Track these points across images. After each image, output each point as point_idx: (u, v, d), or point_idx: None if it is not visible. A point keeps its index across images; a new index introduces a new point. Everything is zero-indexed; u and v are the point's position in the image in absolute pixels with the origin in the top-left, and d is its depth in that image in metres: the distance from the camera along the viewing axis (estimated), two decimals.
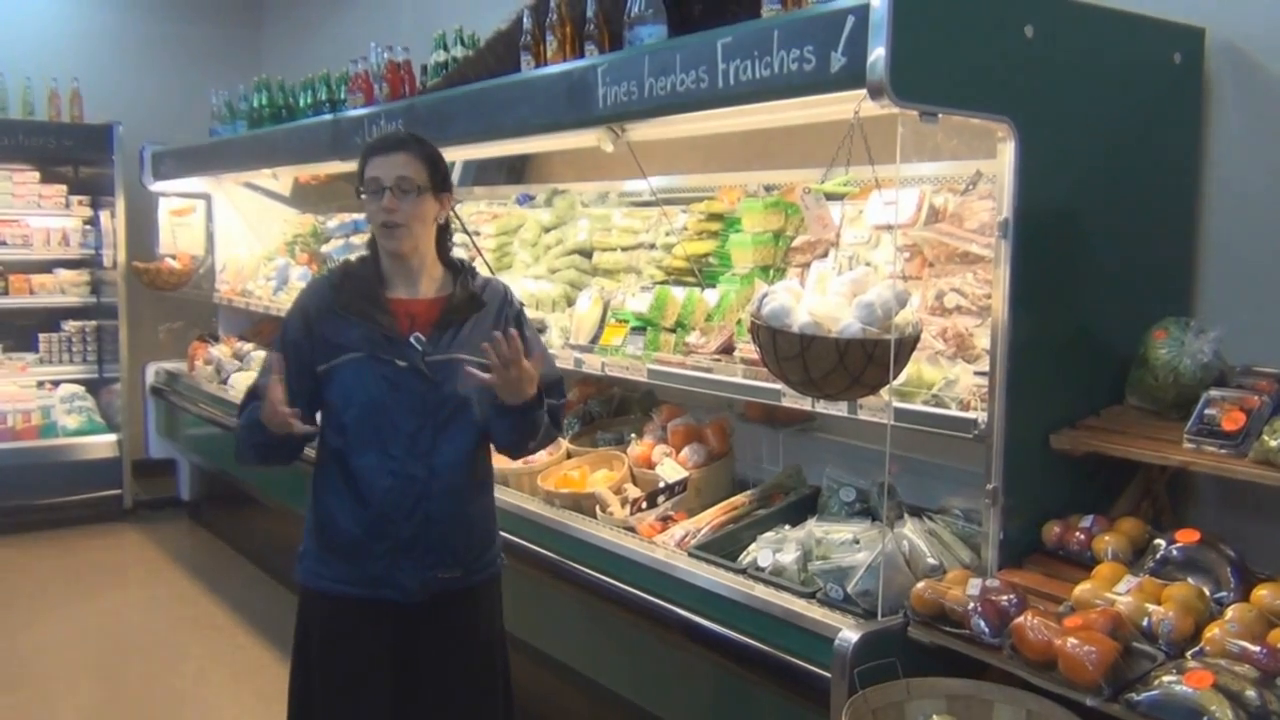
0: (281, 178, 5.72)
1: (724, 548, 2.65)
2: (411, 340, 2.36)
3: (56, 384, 6.66)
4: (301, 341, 2.39)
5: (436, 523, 2.38)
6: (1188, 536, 2.09)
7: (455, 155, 4.30)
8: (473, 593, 2.48)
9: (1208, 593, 1.99)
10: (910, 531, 2.37)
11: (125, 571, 5.60)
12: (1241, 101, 2.45)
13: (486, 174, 4.92)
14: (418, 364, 2.34)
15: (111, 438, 6.43)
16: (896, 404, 2.24)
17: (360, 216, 5.09)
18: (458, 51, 3.91)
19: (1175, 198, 2.48)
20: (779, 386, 2.43)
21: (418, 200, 2.34)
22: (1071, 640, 1.81)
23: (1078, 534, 2.20)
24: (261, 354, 5.43)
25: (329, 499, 2.40)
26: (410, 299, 2.41)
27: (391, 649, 2.43)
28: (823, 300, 2.18)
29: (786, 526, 2.66)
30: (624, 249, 3.65)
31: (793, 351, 2.08)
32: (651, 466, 3.14)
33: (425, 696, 2.46)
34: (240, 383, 5.36)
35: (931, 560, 2.29)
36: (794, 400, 2.47)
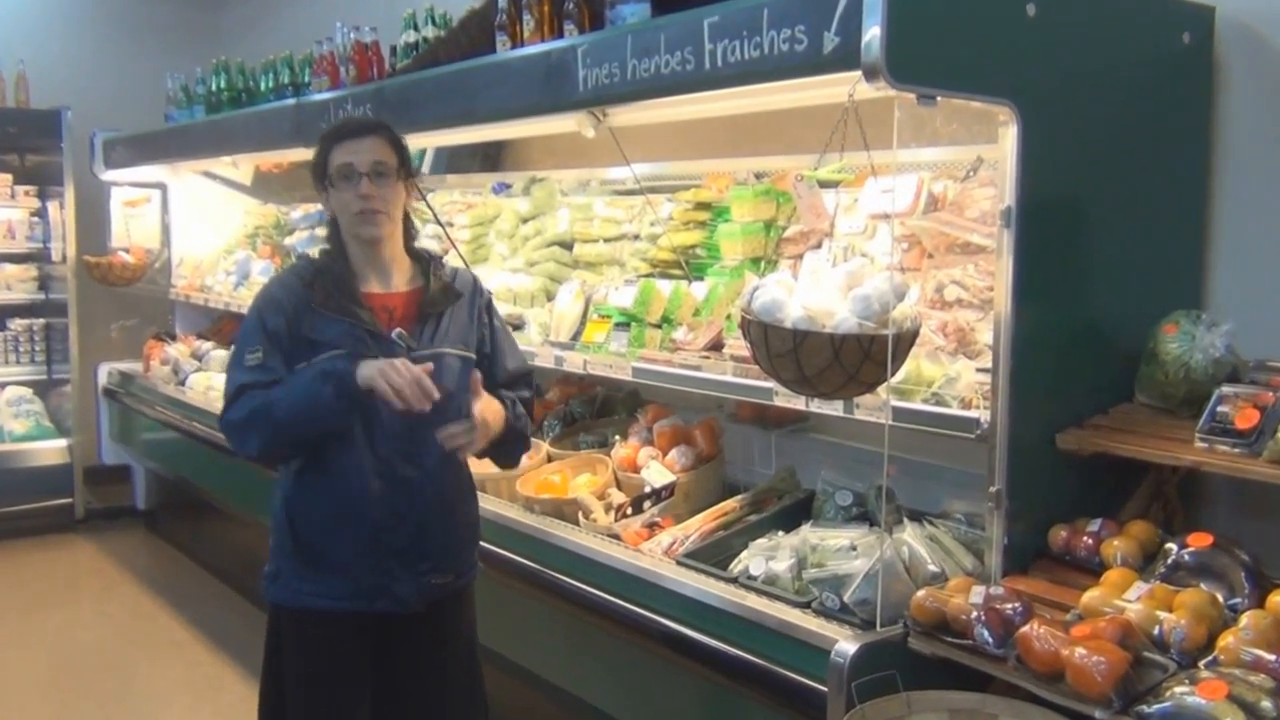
0: (242, 166, 5.66)
1: (714, 555, 2.63)
2: (394, 336, 2.35)
3: (2, 386, 6.55)
4: (283, 335, 2.34)
5: (431, 526, 2.39)
6: (1200, 540, 2.07)
7: (427, 141, 4.38)
8: (459, 597, 2.51)
9: (1221, 599, 1.97)
10: (910, 537, 2.36)
11: (77, 585, 5.51)
12: (1253, 83, 2.45)
13: (460, 161, 4.90)
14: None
15: (61, 443, 6.32)
16: (895, 403, 2.22)
17: None
18: (429, 32, 3.90)
19: (1185, 184, 2.49)
20: (771, 385, 2.42)
21: (393, 185, 2.37)
22: (1079, 650, 1.79)
23: (1085, 538, 2.18)
24: (223, 354, 5.33)
25: (311, 510, 2.37)
26: (385, 293, 2.41)
27: (376, 661, 2.42)
28: (817, 293, 2.16)
29: (780, 533, 2.64)
30: (606, 240, 3.64)
31: (785, 348, 2.07)
32: (637, 470, 3.12)
33: (408, 706, 2.47)
34: (199, 384, 5.29)
35: (932, 567, 2.28)
36: (787, 399, 2.46)
